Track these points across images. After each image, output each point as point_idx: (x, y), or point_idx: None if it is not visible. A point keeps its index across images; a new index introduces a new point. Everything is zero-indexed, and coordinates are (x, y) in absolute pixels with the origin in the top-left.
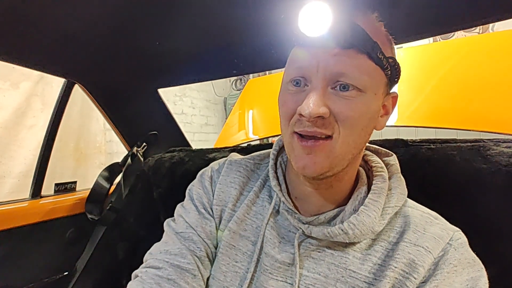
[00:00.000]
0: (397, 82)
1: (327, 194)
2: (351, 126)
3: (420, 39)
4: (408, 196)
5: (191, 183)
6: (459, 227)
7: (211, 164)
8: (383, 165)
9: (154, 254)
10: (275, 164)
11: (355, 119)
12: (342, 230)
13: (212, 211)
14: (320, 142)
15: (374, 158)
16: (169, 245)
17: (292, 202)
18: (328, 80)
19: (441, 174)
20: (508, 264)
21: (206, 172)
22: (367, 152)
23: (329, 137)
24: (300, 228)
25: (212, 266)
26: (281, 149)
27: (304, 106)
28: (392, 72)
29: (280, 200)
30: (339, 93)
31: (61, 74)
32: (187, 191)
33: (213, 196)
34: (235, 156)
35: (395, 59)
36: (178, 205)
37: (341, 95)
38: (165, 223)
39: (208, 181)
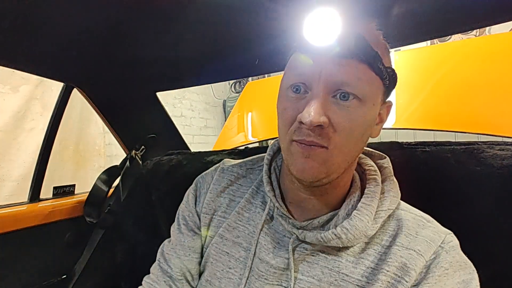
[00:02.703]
0: (392, 90)
1: (322, 200)
2: (347, 136)
3: (418, 42)
4: (402, 199)
5: (182, 202)
6: (452, 230)
7: (203, 174)
8: (376, 168)
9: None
10: (269, 169)
11: (353, 129)
12: (335, 235)
13: (199, 219)
14: (318, 149)
15: (368, 161)
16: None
17: (286, 207)
18: (330, 88)
19: (435, 176)
20: (500, 266)
21: (192, 186)
22: (361, 155)
23: (325, 147)
24: (294, 233)
25: (202, 273)
26: (275, 154)
27: (305, 114)
28: (390, 82)
29: (274, 205)
30: (339, 102)
31: (59, 79)
32: (178, 209)
33: (202, 205)
34: (228, 162)
35: (393, 69)
36: (172, 226)
37: (341, 104)
38: (161, 245)
39: (192, 194)
